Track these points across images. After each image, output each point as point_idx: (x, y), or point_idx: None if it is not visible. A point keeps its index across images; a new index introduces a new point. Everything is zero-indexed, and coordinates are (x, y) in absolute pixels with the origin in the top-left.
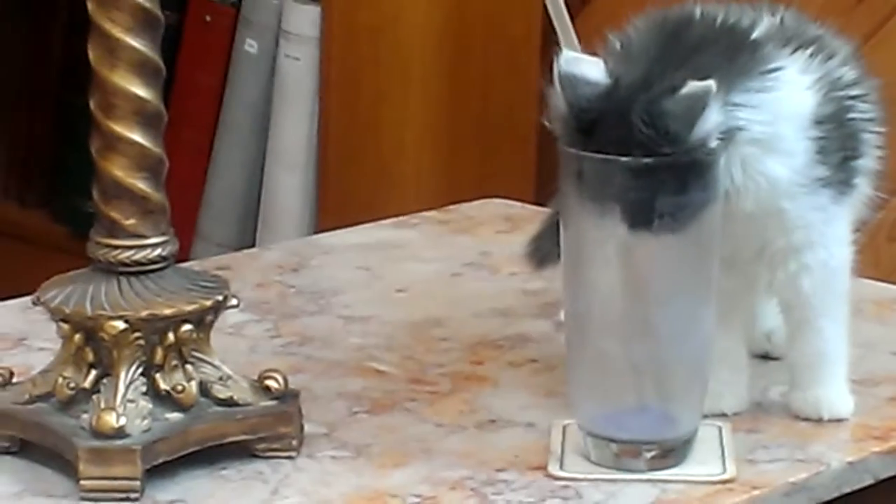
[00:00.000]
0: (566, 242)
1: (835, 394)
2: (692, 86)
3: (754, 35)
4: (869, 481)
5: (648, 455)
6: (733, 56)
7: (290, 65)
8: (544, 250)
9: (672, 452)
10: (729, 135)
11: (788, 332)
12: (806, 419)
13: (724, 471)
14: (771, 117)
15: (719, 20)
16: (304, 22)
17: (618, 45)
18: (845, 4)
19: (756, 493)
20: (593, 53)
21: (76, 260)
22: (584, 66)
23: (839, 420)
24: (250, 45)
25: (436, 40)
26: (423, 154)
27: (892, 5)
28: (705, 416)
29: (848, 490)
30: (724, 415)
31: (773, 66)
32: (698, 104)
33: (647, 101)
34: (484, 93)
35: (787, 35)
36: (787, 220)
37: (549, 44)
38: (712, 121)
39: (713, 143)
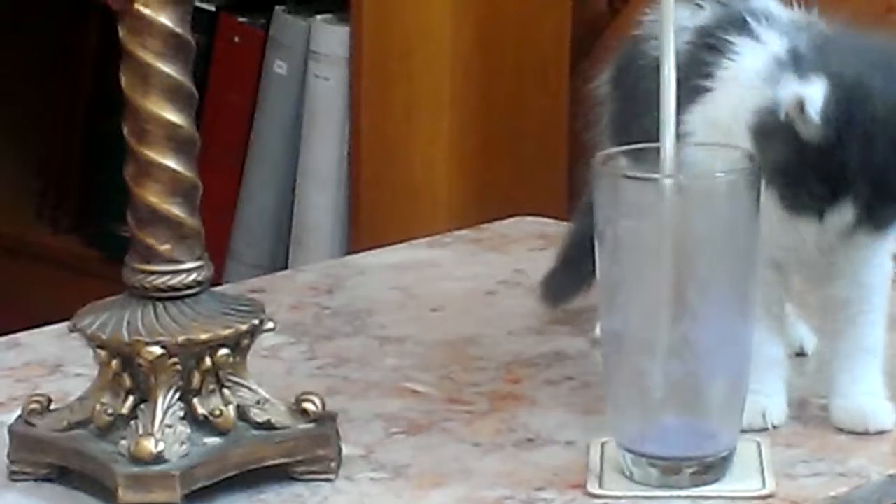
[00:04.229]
0: (602, 260)
1: (878, 405)
2: None
3: None
4: None
5: (688, 471)
6: None
7: (319, 85)
8: (557, 287)
9: (712, 468)
10: None
11: (834, 331)
12: (850, 432)
13: (764, 486)
14: None
15: None
16: (333, 42)
17: None
18: (875, 13)
19: None
20: None
21: (109, 284)
22: None
23: (883, 432)
24: (279, 66)
25: (465, 58)
26: (454, 172)
27: None
28: (753, 431)
29: (889, 503)
30: (766, 429)
31: None
32: None
33: None
34: (514, 110)
35: None
36: None
37: (579, 60)
38: None
39: None
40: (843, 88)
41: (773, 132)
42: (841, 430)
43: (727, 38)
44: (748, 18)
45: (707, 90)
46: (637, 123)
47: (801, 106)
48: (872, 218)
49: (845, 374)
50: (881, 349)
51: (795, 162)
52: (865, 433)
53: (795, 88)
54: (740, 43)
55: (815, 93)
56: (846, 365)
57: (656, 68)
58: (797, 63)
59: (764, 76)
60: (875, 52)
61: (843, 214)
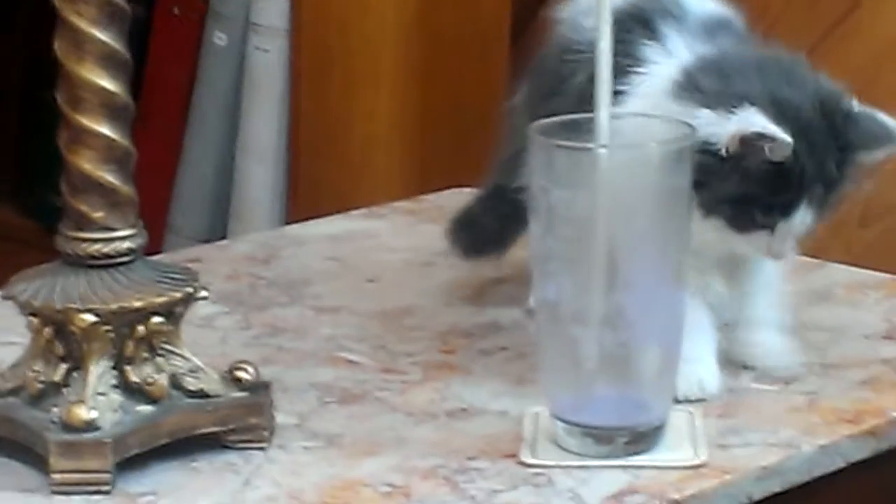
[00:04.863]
0: (536, 230)
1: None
2: None
3: None
4: (840, 464)
5: (621, 441)
6: None
7: (259, 57)
8: (466, 238)
9: (644, 438)
10: None
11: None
12: (748, 366)
13: (696, 456)
14: None
15: None
16: (274, 14)
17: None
18: None
19: (728, 477)
20: None
21: (45, 254)
22: None
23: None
24: (219, 38)
25: (406, 31)
26: (393, 145)
27: None
28: (692, 402)
29: (819, 473)
30: (703, 400)
31: None
32: None
33: None
34: (454, 83)
35: None
36: None
37: (519, 35)
38: None
39: None
40: (767, 107)
41: (714, 169)
42: (745, 367)
43: (638, 42)
44: (657, 21)
45: (622, 94)
46: (545, 104)
47: (759, 137)
48: (823, 212)
49: (748, 311)
50: (780, 288)
51: (746, 191)
52: (765, 367)
53: (738, 125)
54: (649, 53)
55: (760, 119)
56: (749, 302)
57: (563, 51)
58: (693, 85)
59: (667, 94)
60: (773, 67)
61: (803, 219)
